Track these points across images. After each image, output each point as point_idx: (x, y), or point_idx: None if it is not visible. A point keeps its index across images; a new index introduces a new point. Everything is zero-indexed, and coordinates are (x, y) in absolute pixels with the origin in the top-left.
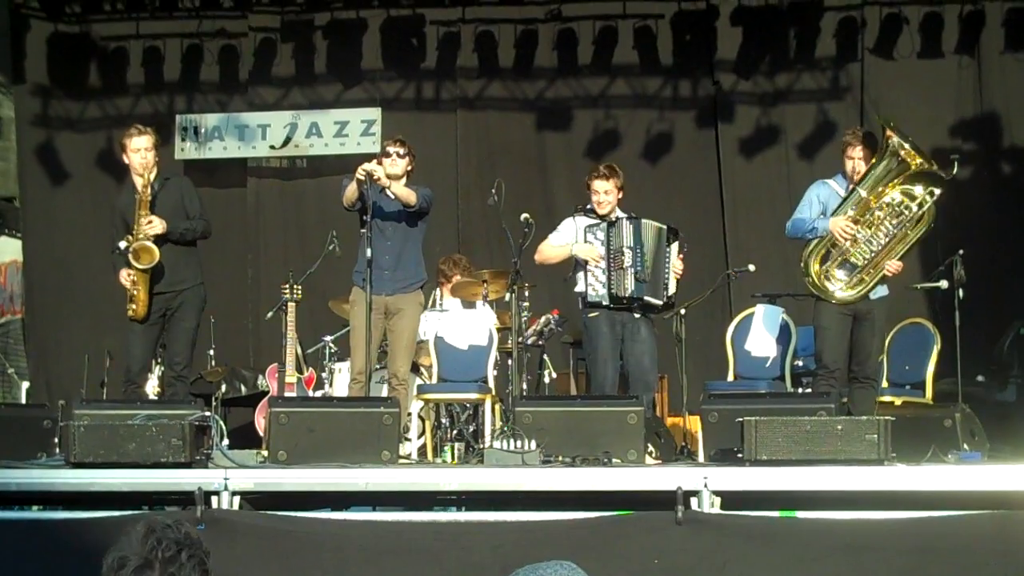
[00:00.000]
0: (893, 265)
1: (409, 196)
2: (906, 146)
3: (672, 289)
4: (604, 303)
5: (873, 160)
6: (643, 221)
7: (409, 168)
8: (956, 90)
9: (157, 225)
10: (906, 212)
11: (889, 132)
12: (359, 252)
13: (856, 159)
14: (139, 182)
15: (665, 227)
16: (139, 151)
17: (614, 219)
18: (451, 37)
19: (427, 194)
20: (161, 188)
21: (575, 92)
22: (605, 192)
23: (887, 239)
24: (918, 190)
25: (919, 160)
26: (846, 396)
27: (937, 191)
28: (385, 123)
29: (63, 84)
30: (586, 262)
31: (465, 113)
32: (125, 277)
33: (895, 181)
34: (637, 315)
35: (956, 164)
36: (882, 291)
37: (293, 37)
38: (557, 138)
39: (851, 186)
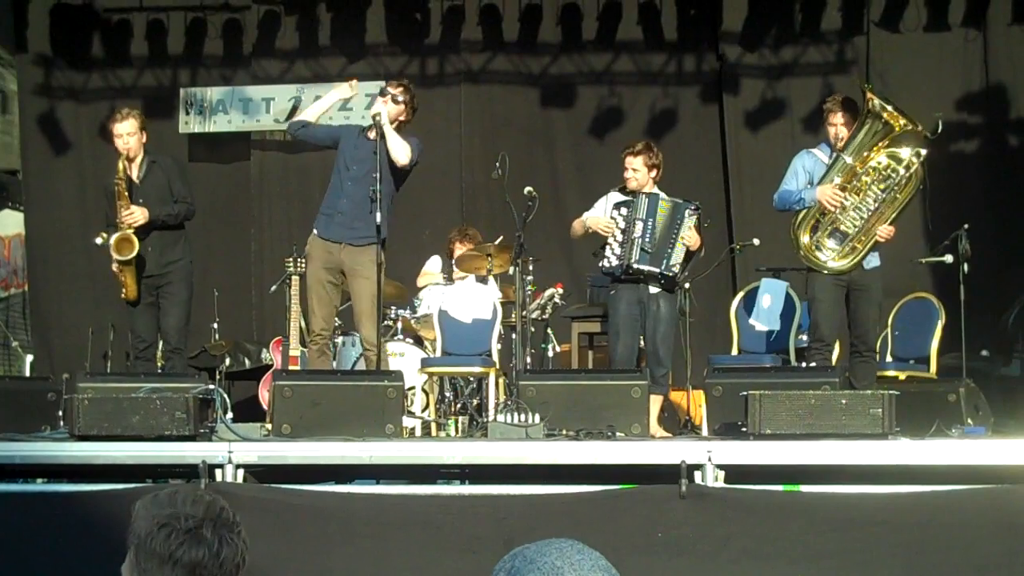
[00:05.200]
0: (884, 230)
1: (401, 150)
2: (888, 108)
3: (675, 260)
4: (616, 274)
5: (856, 125)
6: (660, 196)
7: (403, 118)
8: (962, 63)
9: (138, 216)
10: (893, 175)
11: (870, 95)
12: (327, 194)
13: (838, 125)
14: (120, 169)
15: (681, 202)
16: (121, 136)
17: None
18: (455, 11)
19: (416, 144)
20: (147, 172)
21: (579, 68)
22: (634, 169)
23: (876, 204)
24: (904, 152)
25: (903, 121)
26: (848, 370)
27: (924, 152)
28: None
29: (66, 55)
30: (606, 236)
31: (469, 87)
32: (114, 265)
33: (880, 145)
34: (654, 290)
35: (940, 124)
36: (875, 261)
37: (297, 10)
38: (561, 114)
39: (835, 153)
